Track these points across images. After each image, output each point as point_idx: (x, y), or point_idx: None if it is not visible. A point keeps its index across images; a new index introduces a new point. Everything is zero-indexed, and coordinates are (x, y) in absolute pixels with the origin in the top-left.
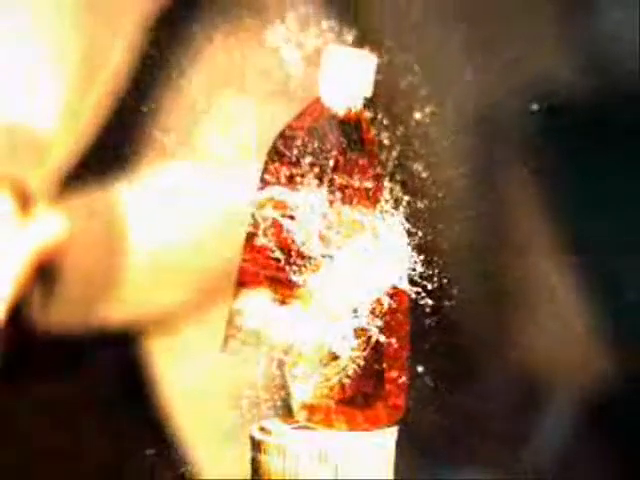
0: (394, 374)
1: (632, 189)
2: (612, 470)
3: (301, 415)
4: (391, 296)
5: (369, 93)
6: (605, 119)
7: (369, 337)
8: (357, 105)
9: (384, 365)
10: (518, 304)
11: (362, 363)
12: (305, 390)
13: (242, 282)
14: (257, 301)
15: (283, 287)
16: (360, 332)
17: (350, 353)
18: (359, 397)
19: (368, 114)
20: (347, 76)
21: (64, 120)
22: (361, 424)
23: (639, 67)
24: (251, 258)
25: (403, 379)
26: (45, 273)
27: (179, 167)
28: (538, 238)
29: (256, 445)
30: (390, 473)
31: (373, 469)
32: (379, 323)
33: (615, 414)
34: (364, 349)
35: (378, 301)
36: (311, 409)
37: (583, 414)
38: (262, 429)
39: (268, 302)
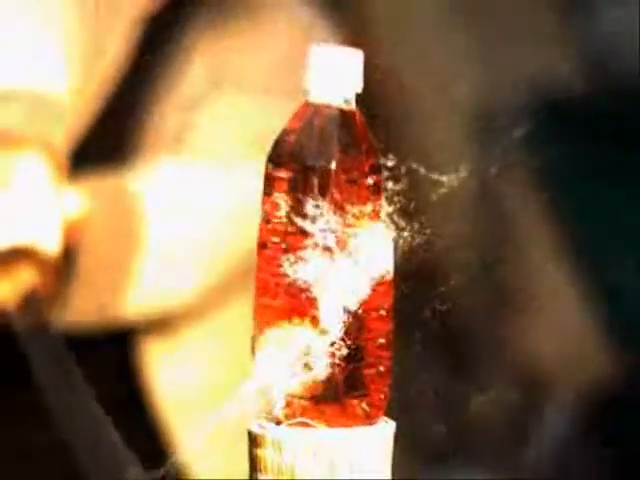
0: (374, 373)
1: (633, 188)
2: (611, 470)
3: (279, 411)
4: (373, 296)
5: (360, 89)
6: (605, 117)
7: (349, 335)
8: (349, 101)
9: (364, 363)
10: (518, 305)
11: (342, 361)
12: (283, 386)
13: (260, 292)
14: (275, 311)
15: (294, 296)
16: (342, 330)
17: (331, 350)
18: (338, 394)
19: (361, 110)
20: (336, 74)
21: (70, 95)
22: (338, 421)
23: (639, 65)
24: (264, 268)
25: (385, 378)
26: (63, 255)
27: (181, 163)
28: (538, 239)
29: (253, 440)
30: (388, 468)
31: (371, 463)
32: (361, 321)
33: (614, 414)
34: (344, 347)
35: (362, 301)
36: (290, 406)
37: (583, 414)
38: (259, 424)
39: (285, 311)
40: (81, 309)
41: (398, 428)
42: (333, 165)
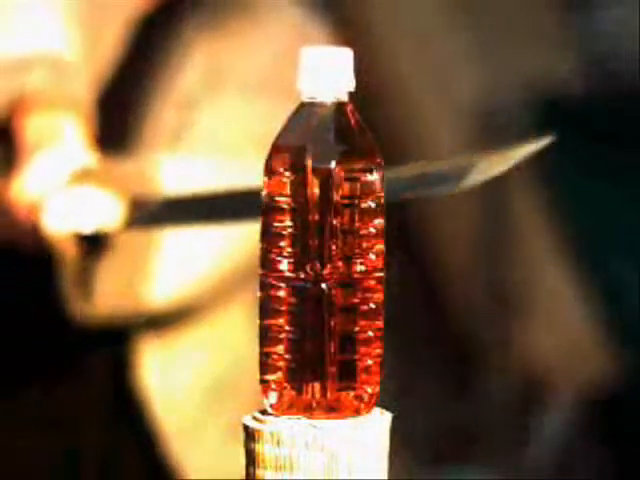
0: (363, 367)
1: (633, 188)
2: (611, 470)
3: (266, 403)
4: (365, 289)
5: (353, 87)
6: (605, 117)
7: (340, 328)
8: (343, 100)
9: (353, 356)
10: (518, 305)
11: (332, 352)
12: (271, 378)
13: (263, 293)
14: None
15: (296, 296)
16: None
17: (322, 343)
18: (326, 387)
19: (356, 108)
20: (328, 74)
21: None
22: (326, 414)
23: (638, 65)
24: (268, 272)
25: (374, 373)
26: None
27: (180, 160)
28: (538, 238)
29: (250, 434)
30: (385, 459)
31: (368, 455)
32: (351, 315)
33: (614, 414)
34: (335, 340)
35: (354, 295)
36: (279, 398)
37: (583, 414)
38: (255, 418)
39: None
40: (106, 299)
41: (398, 428)
42: (333, 165)
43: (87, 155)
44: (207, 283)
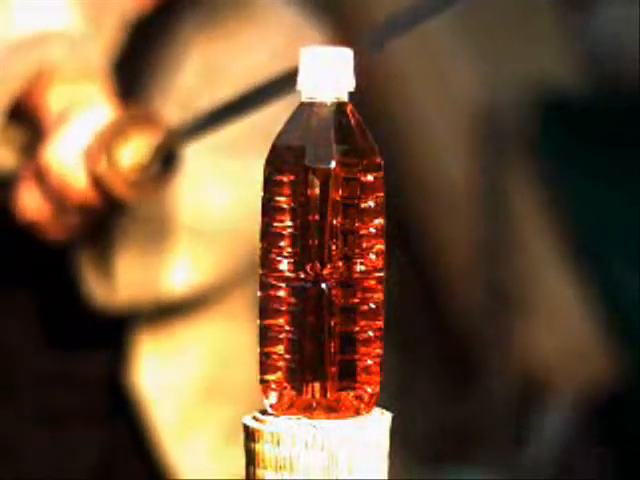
0: (363, 366)
1: (632, 188)
2: (611, 470)
3: (266, 403)
4: (365, 289)
5: (352, 87)
6: (604, 117)
7: (340, 328)
8: (343, 100)
9: (353, 356)
10: (518, 306)
11: (332, 352)
12: (271, 378)
13: (263, 293)
14: (277, 311)
15: (295, 295)
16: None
17: (321, 342)
18: (326, 387)
19: (357, 109)
20: (328, 74)
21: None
22: (326, 414)
23: (639, 65)
24: (268, 272)
25: (374, 373)
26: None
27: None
28: (538, 238)
29: (250, 434)
30: (385, 459)
31: (368, 455)
32: (351, 314)
33: (615, 414)
34: (334, 340)
35: (354, 295)
36: (279, 398)
37: (583, 414)
38: (255, 418)
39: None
40: (126, 283)
41: (398, 428)
42: (333, 165)
43: (113, 115)
44: (221, 272)
